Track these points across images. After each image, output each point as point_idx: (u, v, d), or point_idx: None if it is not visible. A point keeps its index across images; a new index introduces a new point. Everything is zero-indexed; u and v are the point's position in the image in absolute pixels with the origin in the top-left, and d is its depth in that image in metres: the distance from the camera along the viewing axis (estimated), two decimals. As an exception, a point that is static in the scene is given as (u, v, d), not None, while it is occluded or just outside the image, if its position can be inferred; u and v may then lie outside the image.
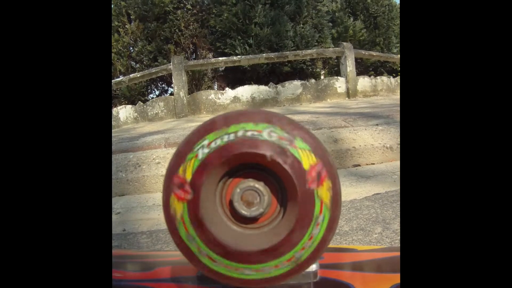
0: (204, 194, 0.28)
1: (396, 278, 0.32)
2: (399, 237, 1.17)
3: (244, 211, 0.28)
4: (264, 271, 0.28)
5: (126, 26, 6.02)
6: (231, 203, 0.29)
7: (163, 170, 2.21)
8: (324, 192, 0.27)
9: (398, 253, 0.40)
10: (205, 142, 0.28)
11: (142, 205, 1.99)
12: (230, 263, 0.28)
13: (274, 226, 0.29)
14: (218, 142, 0.27)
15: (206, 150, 0.27)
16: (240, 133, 0.27)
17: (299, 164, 0.27)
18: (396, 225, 1.33)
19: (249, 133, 0.27)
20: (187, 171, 0.28)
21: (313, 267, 0.33)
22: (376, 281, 0.36)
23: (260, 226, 0.29)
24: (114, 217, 1.86)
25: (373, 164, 2.32)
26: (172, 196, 0.28)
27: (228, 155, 0.27)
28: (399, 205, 1.29)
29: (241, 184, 0.28)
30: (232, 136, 0.27)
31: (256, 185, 0.28)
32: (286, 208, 0.29)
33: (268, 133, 0.27)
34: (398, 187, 1.68)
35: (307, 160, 0.27)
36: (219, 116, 0.28)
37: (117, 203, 2.05)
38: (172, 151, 2.40)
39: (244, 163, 0.28)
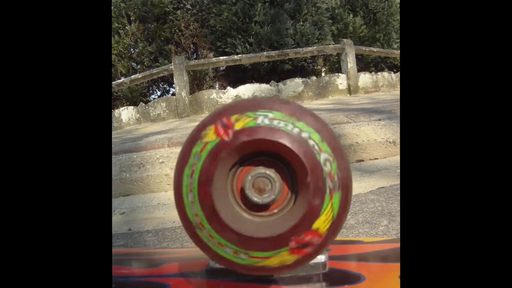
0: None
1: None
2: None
3: (256, 198, 0.28)
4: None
5: (126, 27, 6.02)
6: (242, 190, 0.29)
7: (167, 170, 2.22)
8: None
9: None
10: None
11: (147, 205, 2.00)
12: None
13: (285, 214, 0.29)
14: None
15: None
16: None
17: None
18: (402, 218, 1.33)
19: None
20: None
21: (322, 258, 0.33)
22: (384, 271, 0.37)
23: (271, 214, 0.29)
24: (119, 217, 1.86)
25: (377, 159, 2.32)
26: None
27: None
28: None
29: (252, 171, 0.28)
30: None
31: (267, 172, 0.28)
32: (297, 195, 0.29)
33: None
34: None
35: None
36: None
37: (122, 204, 2.06)
38: (176, 150, 2.40)
39: (255, 151, 0.28)
